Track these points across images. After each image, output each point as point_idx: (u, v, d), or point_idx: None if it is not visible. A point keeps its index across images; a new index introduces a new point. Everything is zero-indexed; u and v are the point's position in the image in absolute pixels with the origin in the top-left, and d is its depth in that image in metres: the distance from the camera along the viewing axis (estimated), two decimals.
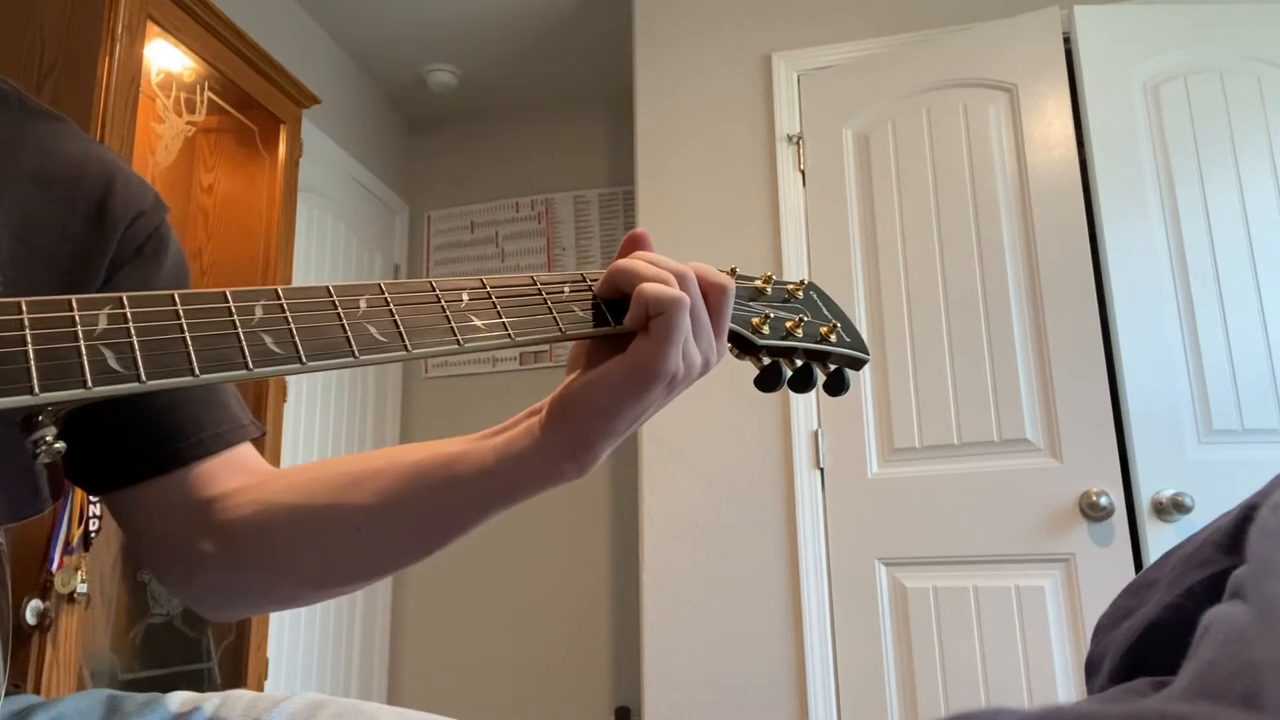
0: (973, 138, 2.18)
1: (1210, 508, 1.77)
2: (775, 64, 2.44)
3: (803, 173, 2.35)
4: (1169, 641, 0.36)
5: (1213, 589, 0.36)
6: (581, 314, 0.57)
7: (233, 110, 2.15)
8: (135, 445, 0.63)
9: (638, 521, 2.28)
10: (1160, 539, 1.84)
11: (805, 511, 2.15)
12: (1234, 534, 0.36)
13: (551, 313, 0.56)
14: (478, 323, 0.53)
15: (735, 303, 0.64)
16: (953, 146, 2.20)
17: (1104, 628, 0.43)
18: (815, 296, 0.71)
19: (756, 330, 0.63)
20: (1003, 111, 2.17)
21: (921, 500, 2.05)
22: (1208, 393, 1.90)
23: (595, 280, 0.59)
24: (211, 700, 0.66)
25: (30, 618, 1.36)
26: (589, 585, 3.03)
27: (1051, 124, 2.11)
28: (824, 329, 0.66)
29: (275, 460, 2.15)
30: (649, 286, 0.53)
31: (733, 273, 0.65)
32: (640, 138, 2.53)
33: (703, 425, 2.27)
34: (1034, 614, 1.91)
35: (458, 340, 0.52)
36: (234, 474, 0.66)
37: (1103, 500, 1.89)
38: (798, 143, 2.37)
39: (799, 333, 0.65)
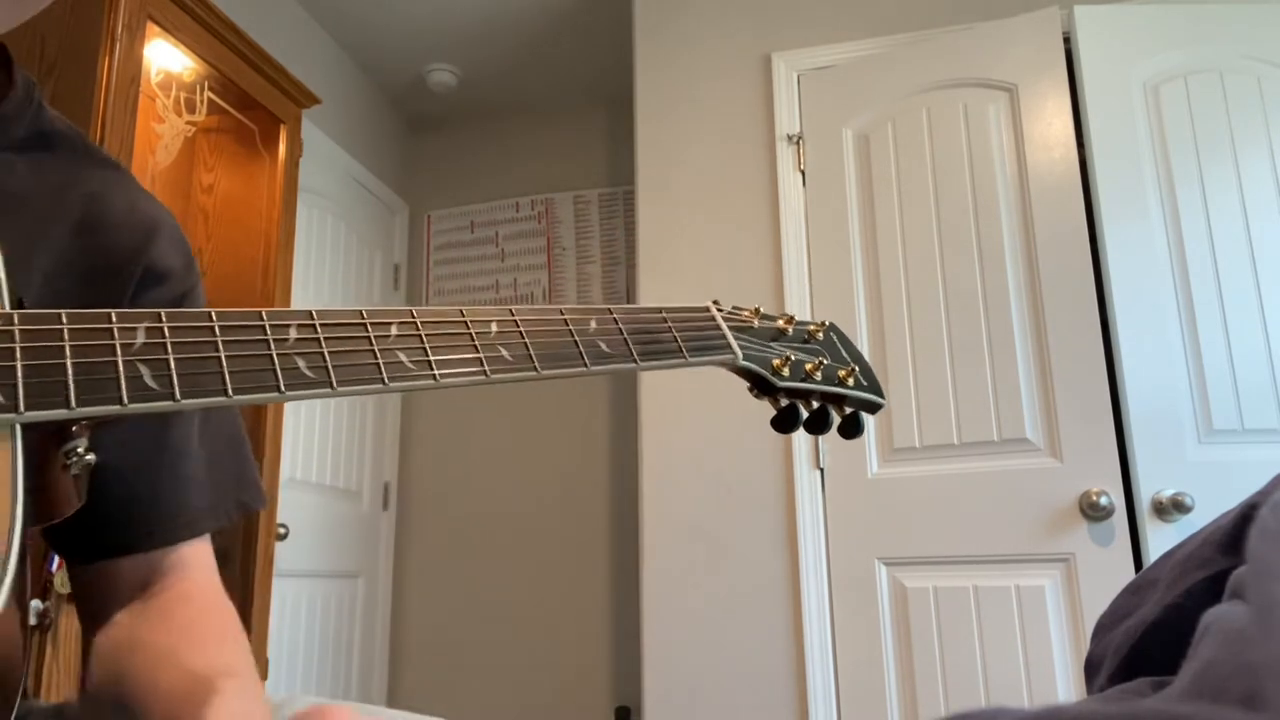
0: (973, 138, 2.18)
1: (1210, 508, 1.77)
2: (775, 64, 2.44)
3: (803, 173, 2.35)
4: (1169, 641, 0.36)
5: (1213, 589, 0.36)
6: (608, 350, 0.58)
7: (233, 110, 2.15)
8: (92, 524, 0.61)
9: (638, 521, 2.28)
10: (1160, 539, 1.84)
11: (805, 511, 2.15)
12: (1234, 534, 0.36)
13: (578, 346, 0.57)
14: (505, 354, 0.54)
15: (756, 343, 0.65)
16: (953, 146, 2.19)
17: (1104, 628, 0.43)
18: (835, 338, 0.72)
19: (777, 372, 0.64)
20: (1003, 111, 2.17)
21: (921, 500, 2.05)
22: (1208, 393, 1.90)
23: (622, 314, 0.60)
24: None
25: (30, 618, 1.36)
26: (589, 585, 3.03)
27: (1051, 124, 2.11)
28: (842, 372, 0.68)
29: (275, 460, 2.15)
30: None
31: (756, 312, 0.66)
32: (640, 138, 2.53)
33: (703, 425, 2.27)
34: (1034, 614, 1.91)
35: (485, 371, 0.52)
36: (155, 582, 0.64)
37: (1103, 500, 1.89)
38: (798, 143, 2.37)
39: (818, 375, 0.66)
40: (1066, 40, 2.15)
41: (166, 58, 1.95)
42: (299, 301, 2.61)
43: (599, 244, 3.27)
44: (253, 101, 2.13)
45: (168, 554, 0.66)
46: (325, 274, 2.87)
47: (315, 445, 2.75)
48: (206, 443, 0.68)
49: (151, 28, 1.77)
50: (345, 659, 2.86)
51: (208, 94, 2.05)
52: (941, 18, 2.35)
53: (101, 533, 0.63)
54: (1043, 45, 2.15)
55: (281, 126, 2.19)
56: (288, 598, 2.54)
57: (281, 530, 2.31)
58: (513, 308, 0.57)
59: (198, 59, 1.94)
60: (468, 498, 3.19)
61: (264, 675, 2.05)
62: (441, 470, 3.25)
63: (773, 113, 2.41)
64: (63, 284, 0.60)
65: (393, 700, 3.08)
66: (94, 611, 0.65)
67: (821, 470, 2.17)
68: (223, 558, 2.19)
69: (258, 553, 2.03)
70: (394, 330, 0.51)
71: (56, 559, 1.44)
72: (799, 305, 2.27)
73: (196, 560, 0.68)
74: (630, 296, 3.16)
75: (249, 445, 0.73)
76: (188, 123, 2.02)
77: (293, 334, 0.48)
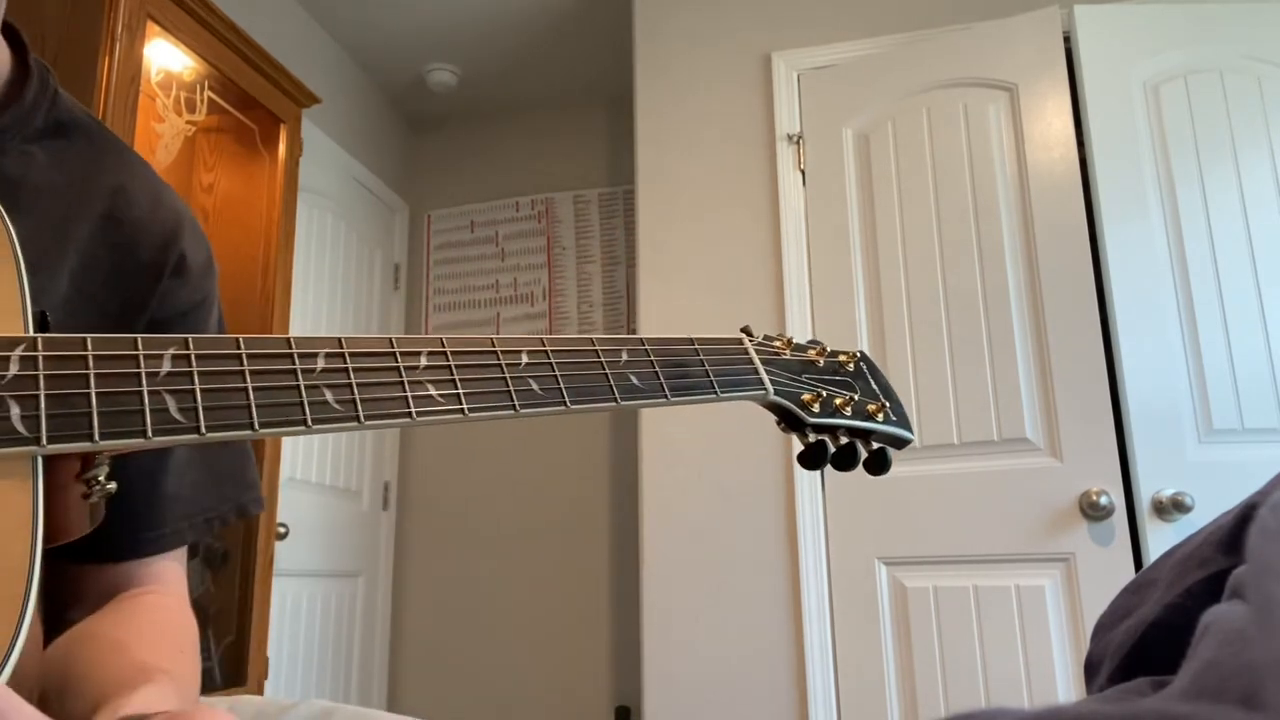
0: (973, 138, 2.18)
1: (1210, 508, 1.77)
2: (775, 64, 2.44)
3: (803, 172, 2.35)
4: (1169, 641, 0.36)
5: (1213, 589, 0.36)
6: (638, 384, 0.57)
7: (233, 110, 2.15)
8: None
9: (638, 521, 2.28)
10: (1160, 539, 1.84)
11: (805, 511, 2.15)
12: (1234, 533, 0.36)
13: (608, 379, 0.56)
14: (535, 387, 0.53)
15: (787, 376, 0.64)
16: (953, 146, 2.19)
17: (1104, 627, 0.43)
18: (866, 369, 0.71)
19: (807, 408, 0.64)
20: (1003, 111, 2.17)
21: (921, 500, 2.05)
22: (1208, 393, 1.90)
23: (654, 345, 0.59)
24: (219, 705, 0.65)
25: None
26: (589, 585, 3.03)
27: (1051, 124, 2.11)
28: (872, 407, 0.67)
29: (275, 460, 2.15)
30: None
31: (788, 343, 0.66)
32: (640, 137, 2.53)
33: (703, 425, 2.27)
34: (1034, 614, 1.91)
35: (514, 405, 0.52)
36: (115, 591, 0.63)
37: (1103, 500, 1.89)
38: (798, 142, 2.37)
39: (848, 411, 0.65)
40: (1066, 40, 2.15)
41: (166, 57, 1.95)
42: (299, 301, 2.61)
43: (599, 244, 3.27)
44: (253, 101, 2.13)
45: (143, 564, 0.64)
46: (325, 274, 2.86)
47: (315, 445, 2.75)
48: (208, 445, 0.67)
49: (151, 27, 1.77)
50: (345, 658, 2.86)
51: (208, 94, 2.05)
52: (941, 18, 2.35)
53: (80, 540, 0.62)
54: (1043, 45, 2.15)
55: (281, 126, 2.19)
56: (288, 597, 2.54)
57: (281, 530, 2.31)
58: (544, 337, 0.56)
59: (198, 59, 1.94)
60: (468, 498, 3.20)
61: (264, 675, 2.05)
62: (441, 470, 3.25)
63: (773, 112, 2.41)
64: (90, 283, 0.59)
65: (393, 699, 3.08)
66: (56, 612, 0.63)
67: (822, 470, 2.16)
68: (223, 558, 2.19)
69: (258, 552, 2.03)
70: (423, 360, 0.50)
71: None
72: (799, 305, 2.27)
73: (169, 572, 0.66)
74: (630, 296, 3.16)
75: (250, 444, 0.72)
76: (188, 122, 2.02)
77: (320, 363, 0.47)
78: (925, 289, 2.14)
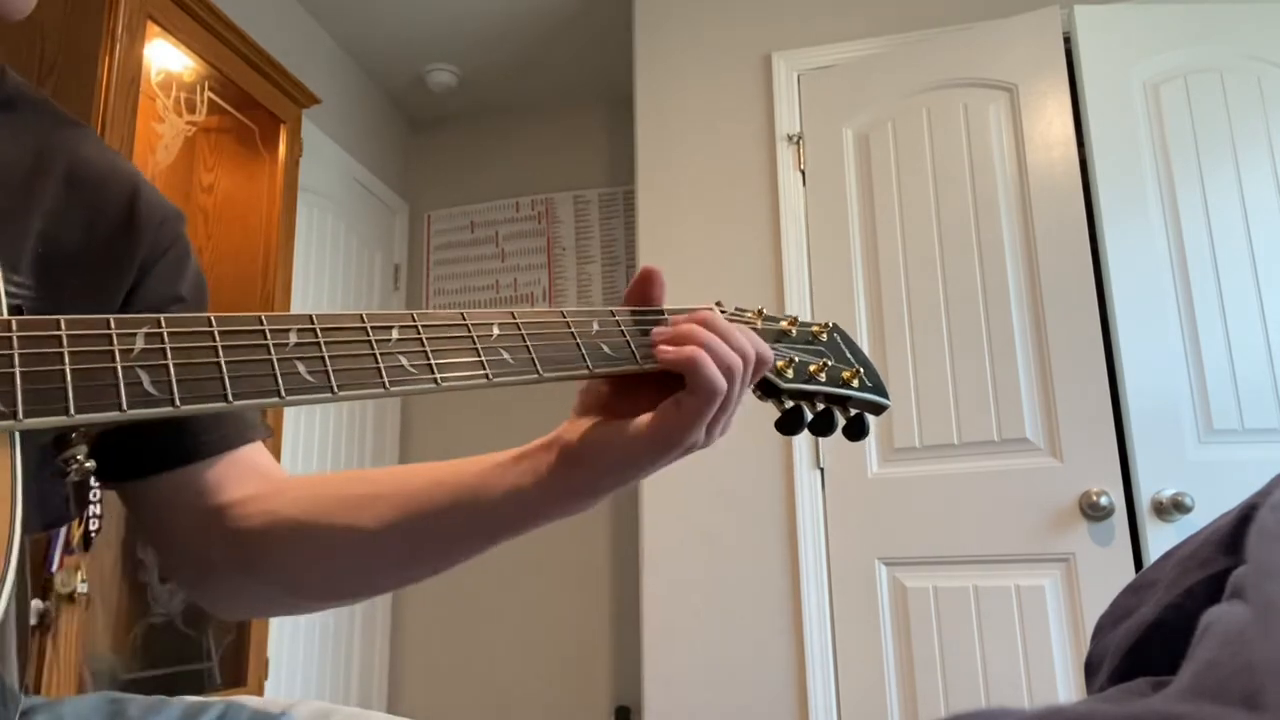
0: (973, 138, 2.18)
1: (1210, 508, 1.77)
2: (775, 64, 2.44)
3: (803, 172, 2.35)
4: (1169, 641, 0.36)
5: (1213, 589, 0.36)
6: (610, 352, 0.58)
7: (233, 110, 2.15)
8: (144, 440, 0.64)
9: (638, 522, 2.28)
10: (1160, 539, 1.84)
11: (805, 511, 2.15)
12: (1234, 534, 0.36)
13: (580, 349, 0.57)
14: (507, 357, 0.54)
15: None
16: (953, 146, 2.19)
17: (1104, 628, 0.43)
18: (839, 339, 0.71)
19: (780, 374, 0.64)
20: (1003, 111, 2.17)
21: (921, 500, 2.05)
22: (1208, 393, 1.90)
23: (625, 316, 0.60)
24: (216, 706, 0.66)
25: (30, 618, 1.36)
26: (589, 585, 3.03)
27: (1051, 124, 2.11)
28: (847, 373, 0.67)
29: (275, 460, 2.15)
30: (709, 371, 0.54)
31: (759, 314, 0.66)
32: (640, 138, 2.53)
33: None
34: (1034, 614, 1.91)
35: (487, 375, 0.53)
36: (243, 479, 0.66)
37: (1103, 500, 1.89)
38: (798, 142, 2.37)
39: (821, 376, 0.66)
40: (1066, 40, 2.15)
41: (166, 58, 1.95)
42: (299, 301, 2.61)
43: (599, 244, 3.27)
44: (253, 101, 2.13)
45: (234, 458, 0.66)
46: (325, 274, 2.86)
47: (315, 445, 2.75)
48: None
49: (151, 28, 1.77)
50: (345, 658, 2.86)
51: (208, 94, 2.05)
52: (941, 18, 2.35)
53: (159, 443, 0.63)
54: (1043, 45, 2.15)
55: (281, 126, 2.19)
56: None
57: None
58: (514, 310, 0.57)
59: (198, 59, 1.94)
60: None
61: (264, 675, 2.05)
62: None
63: (773, 112, 2.41)
64: (59, 243, 0.60)
65: (393, 699, 3.08)
66: (163, 521, 0.65)
67: (821, 470, 2.17)
68: None
69: None
70: (395, 334, 0.51)
71: (57, 560, 1.44)
72: (799, 305, 2.27)
73: (268, 460, 0.69)
74: None
75: None
76: (188, 123, 2.02)
77: (293, 338, 0.47)
78: (925, 289, 2.14)
